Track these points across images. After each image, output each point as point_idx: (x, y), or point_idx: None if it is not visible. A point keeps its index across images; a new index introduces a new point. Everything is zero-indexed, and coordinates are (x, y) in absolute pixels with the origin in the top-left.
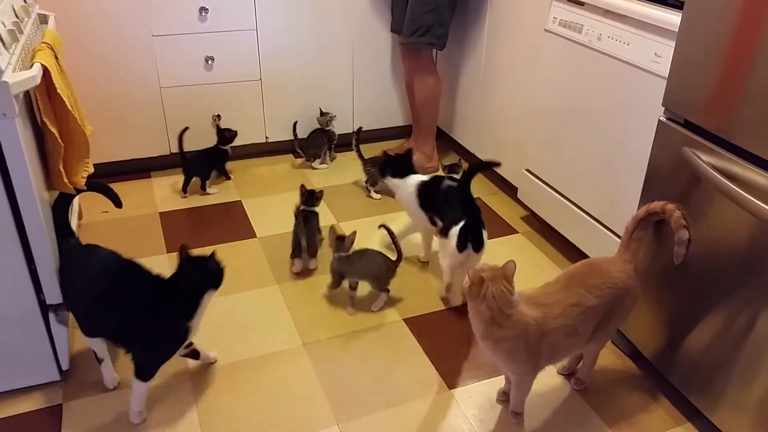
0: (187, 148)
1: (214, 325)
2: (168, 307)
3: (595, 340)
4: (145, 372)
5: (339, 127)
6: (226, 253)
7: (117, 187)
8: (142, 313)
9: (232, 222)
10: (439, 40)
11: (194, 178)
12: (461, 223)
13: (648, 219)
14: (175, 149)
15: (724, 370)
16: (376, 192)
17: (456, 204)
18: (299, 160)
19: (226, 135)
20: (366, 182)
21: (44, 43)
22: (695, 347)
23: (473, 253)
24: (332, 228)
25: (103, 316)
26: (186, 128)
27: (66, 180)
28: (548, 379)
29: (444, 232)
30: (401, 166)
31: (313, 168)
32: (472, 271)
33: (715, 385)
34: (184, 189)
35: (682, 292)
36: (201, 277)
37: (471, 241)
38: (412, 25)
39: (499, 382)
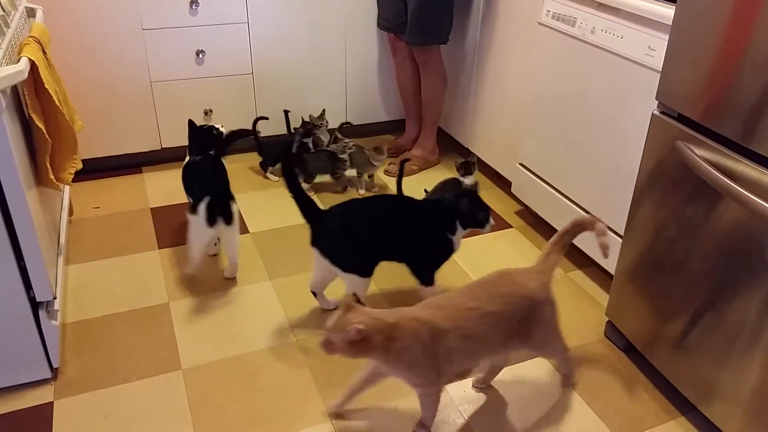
0: (176, 143)
1: (207, 320)
2: (442, 227)
3: (524, 347)
4: (428, 279)
5: (332, 122)
6: (217, 249)
7: (108, 182)
8: (426, 232)
9: None
10: (447, 36)
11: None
12: (207, 199)
13: (573, 232)
14: (166, 144)
15: (716, 364)
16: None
17: (203, 180)
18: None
19: (308, 127)
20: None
21: (32, 37)
22: (688, 341)
23: (225, 226)
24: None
25: (389, 245)
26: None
27: (52, 176)
28: (540, 372)
29: (192, 210)
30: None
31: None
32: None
33: (708, 379)
34: (264, 170)
35: (675, 285)
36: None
37: (220, 214)
38: (422, 22)
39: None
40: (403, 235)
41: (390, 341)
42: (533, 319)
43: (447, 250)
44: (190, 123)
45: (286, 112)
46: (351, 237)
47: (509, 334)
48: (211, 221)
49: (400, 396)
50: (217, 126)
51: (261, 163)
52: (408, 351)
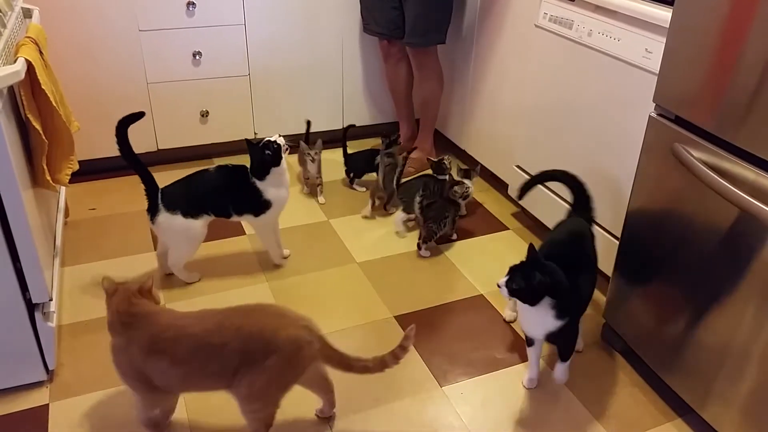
0: (173, 144)
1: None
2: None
3: (240, 391)
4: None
5: (328, 123)
6: (215, 249)
7: (104, 184)
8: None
9: (221, 219)
10: (445, 36)
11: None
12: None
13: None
14: (162, 146)
15: (713, 365)
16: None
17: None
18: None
19: (391, 138)
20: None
21: (28, 37)
22: (685, 343)
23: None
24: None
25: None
26: (352, 125)
27: (49, 177)
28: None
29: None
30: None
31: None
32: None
33: (705, 380)
34: (351, 182)
35: (672, 287)
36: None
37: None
38: (423, 24)
39: (490, 380)
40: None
41: (124, 327)
42: (260, 364)
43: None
44: (248, 142)
45: (308, 122)
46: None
47: (237, 373)
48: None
49: (398, 399)
50: (272, 139)
51: (347, 173)
52: (118, 353)
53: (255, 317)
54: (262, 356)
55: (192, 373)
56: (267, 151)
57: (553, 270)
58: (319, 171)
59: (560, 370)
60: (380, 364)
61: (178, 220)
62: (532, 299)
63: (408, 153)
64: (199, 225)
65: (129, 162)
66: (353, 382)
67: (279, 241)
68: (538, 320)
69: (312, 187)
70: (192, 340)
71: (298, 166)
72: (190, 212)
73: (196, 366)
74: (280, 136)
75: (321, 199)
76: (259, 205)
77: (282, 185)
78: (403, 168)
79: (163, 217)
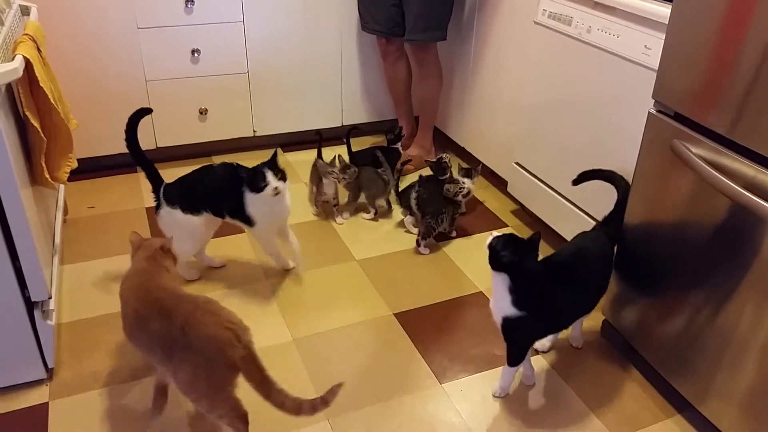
0: (172, 142)
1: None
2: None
3: (174, 379)
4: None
5: (328, 121)
6: (214, 249)
7: (103, 182)
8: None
9: None
10: (446, 32)
11: None
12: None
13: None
14: (161, 143)
15: (713, 361)
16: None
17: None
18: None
19: (396, 132)
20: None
21: (26, 34)
22: (684, 338)
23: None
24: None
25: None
26: (355, 127)
27: (47, 175)
28: (536, 370)
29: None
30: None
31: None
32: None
33: (704, 376)
34: None
35: (672, 284)
36: None
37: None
38: (425, 20)
39: (490, 377)
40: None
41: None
42: (177, 353)
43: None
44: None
45: (319, 134)
46: None
47: (162, 353)
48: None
49: (398, 395)
50: (266, 175)
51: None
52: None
53: (187, 308)
54: (181, 348)
55: (141, 338)
56: (242, 174)
57: (530, 258)
58: (337, 191)
59: (502, 374)
60: (297, 407)
61: (178, 215)
62: (495, 262)
63: (402, 165)
64: (199, 221)
65: (135, 158)
66: (352, 380)
67: (278, 253)
68: (497, 297)
69: (326, 206)
70: (150, 306)
71: (309, 185)
72: (189, 208)
73: (143, 333)
74: (280, 179)
75: (341, 219)
76: (244, 216)
77: (269, 210)
78: (398, 181)
79: (165, 211)
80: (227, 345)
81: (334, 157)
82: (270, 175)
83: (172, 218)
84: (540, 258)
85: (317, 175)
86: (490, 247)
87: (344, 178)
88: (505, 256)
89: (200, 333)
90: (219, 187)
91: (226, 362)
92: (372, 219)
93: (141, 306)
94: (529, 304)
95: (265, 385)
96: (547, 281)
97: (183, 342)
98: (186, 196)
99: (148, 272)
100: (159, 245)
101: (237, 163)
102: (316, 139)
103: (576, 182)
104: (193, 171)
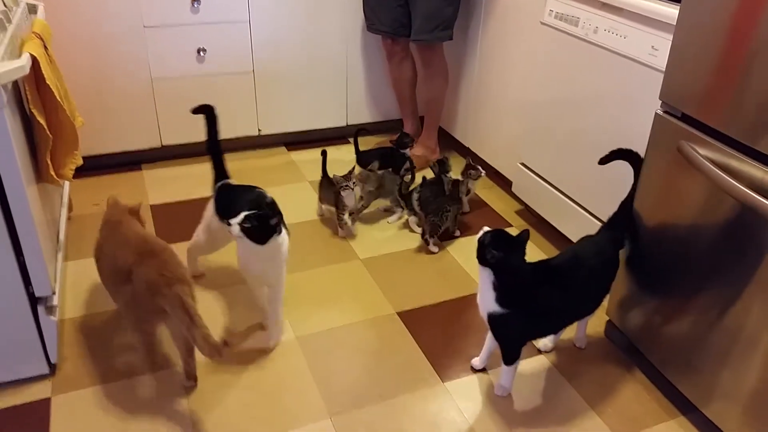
0: (177, 140)
1: (203, 316)
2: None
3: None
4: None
5: (333, 121)
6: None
7: (107, 179)
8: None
9: None
10: (452, 32)
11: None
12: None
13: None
14: (166, 141)
15: (717, 363)
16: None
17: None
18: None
19: (403, 139)
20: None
21: (33, 32)
22: (688, 340)
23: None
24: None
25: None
26: (363, 128)
27: (52, 172)
28: (539, 369)
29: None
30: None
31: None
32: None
33: (708, 378)
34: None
35: (678, 285)
36: None
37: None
38: (433, 20)
39: (493, 376)
40: None
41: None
42: (121, 284)
43: None
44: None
45: (323, 152)
46: None
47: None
48: None
49: (400, 394)
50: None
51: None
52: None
53: (143, 249)
54: (123, 281)
55: (105, 269)
56: (259, 212)
57: (516, 256)
58: (356, 200)
59: (501, 373)
60: (214, 349)
61: (209, 211)
62: (481, 256)
63: (406, 171)
64: (220, 228)
65: (211, 148)
66: (355, 379)
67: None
68: (483, 292)
69: (344, 226)
70: (117, 240)
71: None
72: (220, 212)
73: (107, 264)
74: (282, 228)
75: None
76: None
77: (253, 257)
78: (400, 186)
79: (210, 203)
80: (155, 289)
81: (351, 170)
82: (237, 219)
83: (209, 212)
84: (541, 260)
85: (329, 192)
86: (479, 241)
87: (365, 186)
88: (490, 251)
89: (139, 273)
90: (236, 204)
91: (151, 302)
92: (399, 218)
93: (107, 242)
94: (513, 302)
95: (190, 330)
96: (535, 282)
97: (127, 277)
98: (223, 202)
99: (119, 221)
100: (129, 207)
101: (271, 198)
102: (320, 138)
103: (603, 161)
104: (247, 185)
